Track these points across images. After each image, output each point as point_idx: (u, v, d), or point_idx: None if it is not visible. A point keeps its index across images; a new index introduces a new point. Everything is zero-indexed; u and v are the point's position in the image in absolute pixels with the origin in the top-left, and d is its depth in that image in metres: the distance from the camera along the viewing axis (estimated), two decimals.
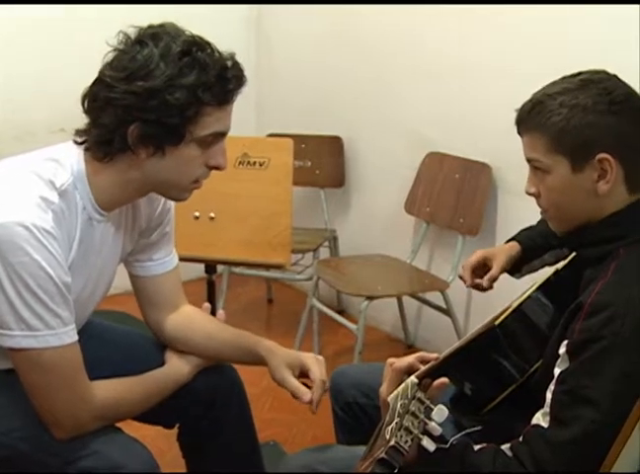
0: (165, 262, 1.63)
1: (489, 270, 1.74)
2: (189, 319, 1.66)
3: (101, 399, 1.40)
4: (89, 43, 3.19)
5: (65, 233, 1.32)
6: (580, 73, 1.32)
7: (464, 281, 1.76)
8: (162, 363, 1.62)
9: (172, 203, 1.60)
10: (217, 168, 1.39)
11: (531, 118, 1.30)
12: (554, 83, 1.33)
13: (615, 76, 1.32)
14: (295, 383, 1.50)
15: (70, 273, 1.33)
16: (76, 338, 1.35)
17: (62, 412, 1.36)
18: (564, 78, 1.33)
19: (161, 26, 1.32)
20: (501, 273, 1.72)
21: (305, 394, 1.48)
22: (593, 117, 1.26)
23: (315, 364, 1.53)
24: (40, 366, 1.30)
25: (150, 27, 1.32)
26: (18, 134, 3.16)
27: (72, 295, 1.34)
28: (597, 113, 1.26)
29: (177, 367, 1.60)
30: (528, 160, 1.34)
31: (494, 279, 1.71)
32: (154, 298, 1.63)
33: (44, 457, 1.39)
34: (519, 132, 1.35)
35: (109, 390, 1.43)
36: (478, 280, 1.74)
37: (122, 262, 1.62)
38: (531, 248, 1.71)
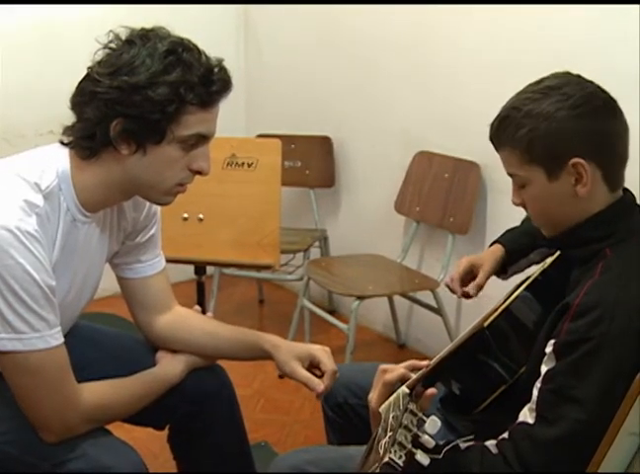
0: (153, 263, 1.63)
1: (476, 276, 1.74)
2: (184, 318, 1.66)
3: (89, 401, 1.39)
4: (78, 46, 3.21)
5: (49, 236, 1.32)
6: (542, 80, 1.32)
7: (454, 293, 1.76)
8: (152, 365, 1.61)
9: (158, 206, 1.59)
10: (200, 172, 1.39)
11: (500, 133, 1.31)
12: (519, 93, 1.32)
13: (578, 76, 1.31)
14: (307, 375, 1.54)
15: (54, 275, 1.32)
16: (62, 340, 1.34)
17: (50, 415, 1.36)
18: (526, 88, 1.32)
19: (152, 29, 1.34)
20: (488, 278, 1.72)
21: (319, 385, 1.52)
22: (556, 124, 1.25)
23: (325, 356, 1.57)
24: (26, 369, 1.30)
25: (142, 29, 1.33)
26: (6, 137, 3.16)
27: (57, 298, 1.34)
28: (559, 120, 1.25)
29: (168, 368, 1.60)
30: (508, 174, 1.35)
31: (480, 288, 1.71)
32: (145, 300, 1.63)
33: (32, 460, 1.38)
34: (495, 149, 1.36)
35: (97, 392, 1.43)
36: (466, 289, 1.74)
37: (110, 265, 1.62)
38: (516, 249, 1.71)
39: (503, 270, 1.73)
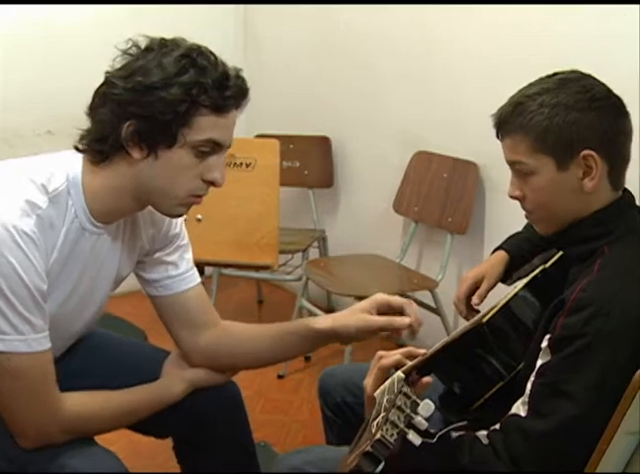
0: (185, 278, 1.56)
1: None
2: (228, 330, 1.61)
3: (70, 412, 1.35)
4: (77, 47, 3.22)
5: (49, 239, 1.29)
6: (555, 73, 1.33)
7: (460, 314, 1.75)
8: (157, 376, 1.56)
9: (179, 223, 1.55)
10: (213, 184, 1.35)
11: (513, 119, 1.31)
12: (531, 85, 1.33)
13: (590, 75, 1.33)
14: (384, 318, 1.48)
15: (48, 280, 1.29)
16: (48, 346, 1.30)
17: (27, 421, 1.32)
18: (540, 79, 1.33)
19: (172, 38, 1.33)
20: (490, 289, 1.72)
21: (404, 319, 1.47)
22: (575, 114, 1.26)
23: (386, 296, 1.51)
24: (6, 372, 1.26)
25: (161, 38, 1.32)
26: (5, 137, 3.16)
27: (53, 305, 1.32)
28: (578, 110, 1.27)
29: (167, 386, 1.54)
30: (511, 163, 1.34)
31: (483, 298, 1.71)
32: (186, 316, 1.56)
33: (9, 469, 1.34)
34: (498, 135, 1.35)
35: (80, 403, 1.38)
36: (474, 306, 1.73)
37: (141, 285, 1.57)
38: (519, 255, 1.71)
39: (507, 275, 1.74)
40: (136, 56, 1.30)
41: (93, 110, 1.32)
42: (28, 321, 1.25)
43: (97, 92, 1.32)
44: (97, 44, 3.39)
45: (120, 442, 2.02)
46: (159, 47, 1.29)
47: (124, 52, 1.31)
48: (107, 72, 1.31)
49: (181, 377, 1.55)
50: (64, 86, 3.11)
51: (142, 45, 1.31)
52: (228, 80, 1.30)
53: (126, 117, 1.27)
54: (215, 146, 1.33)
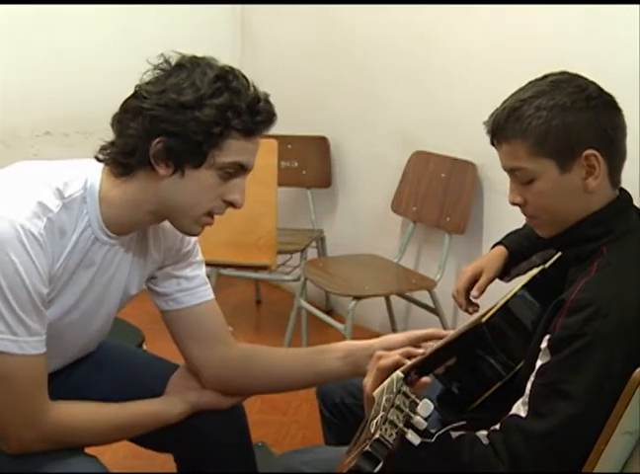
0: (197, 292, 1.54)
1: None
2: (251, 354, 1.59)
3: (55, 421, 1.32)
4: (75, 48, 3.22)
5: (57, 244, 1.28)
6: (546, 76, 1.32)
7: (460, 307, 1.76)
8: (161, 391, 1.54)
9: (193, 240, 1.54)
10: (233, 205, 1.35)
11: (509, 125, 1.29)
12: (523, 89, 1.32)
13: (579, 75, 1.32)
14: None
15: (55, 286, 1.29)
16: (41, 351, 1.28)
17: (9, 424, 1.30)
18: (531, 83, 1.32)
19: (202, 57, 1.33)
20: (489, 282, 1.72)
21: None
22: (573, 115, 1.26)
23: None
24: None
25: (193, 56, 1.32)
26: (3, 138, 3.15)
27: (56, 312, 1.31)
28: (576, 110, 1.26)
29: (167, 406, 1.50)
30: (510, 170, 1.33)
31: (481, 291, 1.71)
32: (196, 331, 1.53)
33: None
34: (493, 143, 1.34)
35: (68, 414, 1.35)
36: (473, 300, 1.74)
37: (152, 298, 1.55)
38: (518, 251, 1.71)
39: (506, 272, 1.74)
40: (168, 73, 1.29)
41: (120, 122, 1.31)
42: (23, 322, 1.23)
43: (125, 104, 1.31)
44: (96, 45, 3.42)
45: (118, 443, 2.02)
46: (191, 66, 1.29)
47: (156, 67, 1.30)
48: (137, 86, 1.31)
49: (183, 398, 1.52)
50: (63, 87, 3.13)
51: (173, 62, 1.30)
52: (259, 104, 1.31)
53: (157, 133, 1.26)
54: (240, 169, 1.33)
